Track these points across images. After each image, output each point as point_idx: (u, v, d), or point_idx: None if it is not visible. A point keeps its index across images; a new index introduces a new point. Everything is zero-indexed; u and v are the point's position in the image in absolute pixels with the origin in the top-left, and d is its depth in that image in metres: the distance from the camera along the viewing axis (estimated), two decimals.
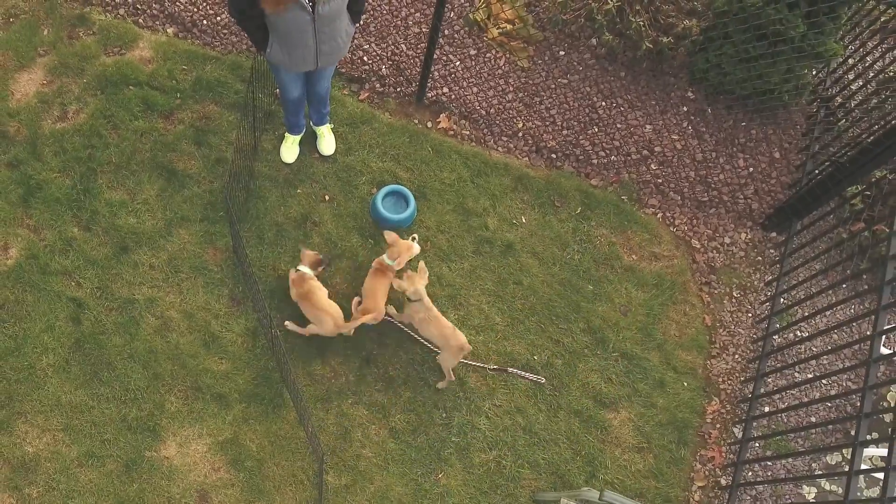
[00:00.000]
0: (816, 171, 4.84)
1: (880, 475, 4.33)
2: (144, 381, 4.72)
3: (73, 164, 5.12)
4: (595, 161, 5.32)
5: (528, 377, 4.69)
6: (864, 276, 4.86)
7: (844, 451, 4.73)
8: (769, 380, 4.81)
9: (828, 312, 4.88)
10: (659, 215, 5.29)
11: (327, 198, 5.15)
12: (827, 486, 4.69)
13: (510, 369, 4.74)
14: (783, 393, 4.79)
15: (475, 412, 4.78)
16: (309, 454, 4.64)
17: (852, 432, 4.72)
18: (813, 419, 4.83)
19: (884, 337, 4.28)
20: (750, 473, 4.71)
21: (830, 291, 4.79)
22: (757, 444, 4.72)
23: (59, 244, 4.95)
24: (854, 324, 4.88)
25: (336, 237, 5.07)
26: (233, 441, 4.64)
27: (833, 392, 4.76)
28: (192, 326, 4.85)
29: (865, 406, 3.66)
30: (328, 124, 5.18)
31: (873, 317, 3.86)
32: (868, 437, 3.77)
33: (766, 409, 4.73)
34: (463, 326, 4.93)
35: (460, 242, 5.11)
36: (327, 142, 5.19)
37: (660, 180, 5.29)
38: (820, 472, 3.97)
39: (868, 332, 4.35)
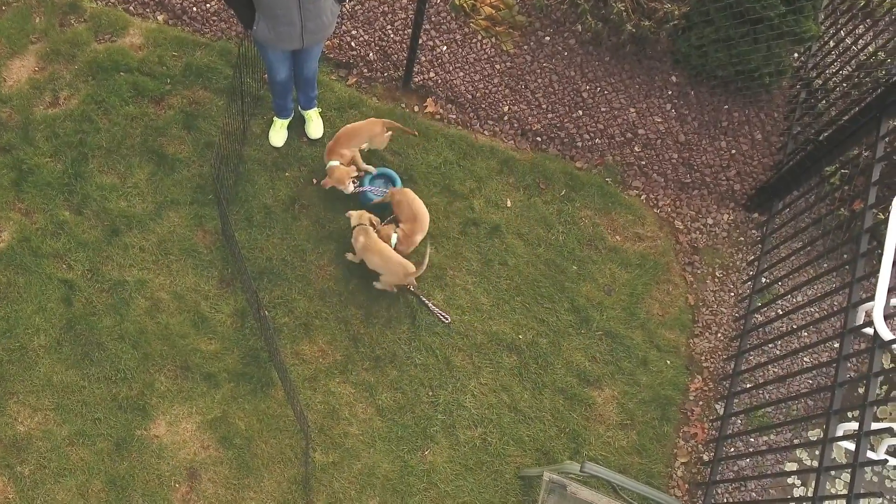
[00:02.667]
0: (796, 152, 4.91)
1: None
2: (135, 361, 4.78)
3: (64, 149, 5.19)
4: (580, 144, 5.39)
5: (436, 312, 4.85)
6: (843, 252, 4.92)
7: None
8: (751, 356, 4.87)
9: (807, 288, 4.95)
10: (643, 197, 5.36)
11: (315, 181, 5.21)
12: (809, 462, 4.76)
13: (423, 299, 4.90)
14: (764, 368, 4.85)
15: (461, 390, 4.84)
16: (297, 432, 4.70)
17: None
18: (794, 393, 4.89)
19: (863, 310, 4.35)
20: (732, 449, 4.77)
21: (810, 267, 4.86)
22: (739, 421, 4.79)
23: (50, 227, 5.01)
24: (833, 298, 4.94)
25: (324, 220, 5.14)
26: (222, 419, 4.71)
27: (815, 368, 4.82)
28: (182, 307, 4.91)
29: (840, 376, 3.72)
30: (316, 108, 5.24)
31: (848, 289, 3.92)
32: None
33: (748, 385, 4.79)
34: (449, 306, 5.00)
35: (446, 224, 5.18)
36: (315, 125, 5.26)
37: (643, 162, 5.36)
38: (797, 443, 4.03)
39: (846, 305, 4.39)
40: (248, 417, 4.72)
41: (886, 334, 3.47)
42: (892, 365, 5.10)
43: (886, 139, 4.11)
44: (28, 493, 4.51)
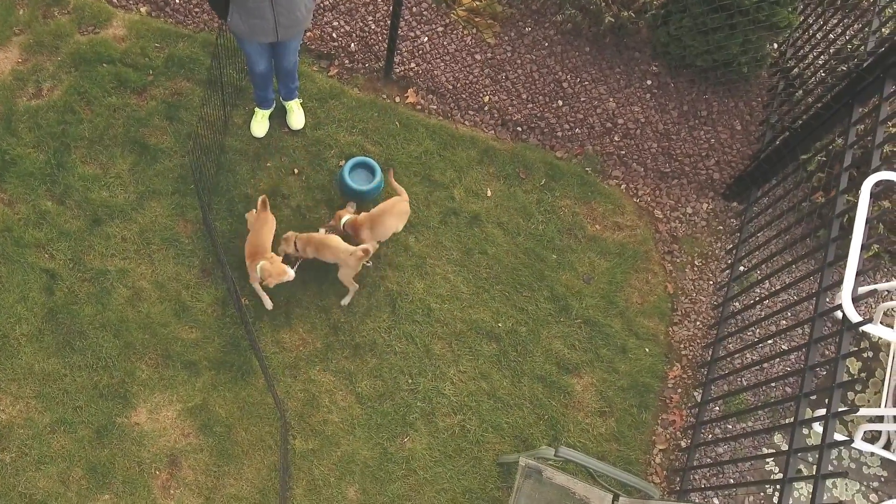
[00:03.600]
0: (773, 140, 4.94)
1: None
2: (116, 349, 4.81)
3: (46, 140, 5.22)
4: (560, 134, 5.42)
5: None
6: (817, 237, 4.94)
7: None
8: (728, 343, 4.90)
9: (783, 274, 4.98)
10: (622, 186, 5.39)
11: (296, 171, 5.24)
12: (785, 446, 4.79)
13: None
14: (741, 355, 4.88)
15: (440, 378, 4.87)
16: (277, 419, 4.73)
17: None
18: (776, 390, 4.92)
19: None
20: (710, 436, 4.80)
21: (786, 254, 4.88)
22: (717, 408, 4.82)
23: (32, 217, 5.04)
24: (807, 283, 4.97)
25: (305, 209, 5.17)
26: (202, 407, 4.73)
27: (790, 355, 4.86)
28: (163, 296, 4.94)
29: (810, 359, 3.75)
30: (297, 99, 5.27)
31: (820, 274, 3.95)
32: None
33: (725, 371, 4.82)
34: (428, 295, 5.03)
35: (426, 213, 5.21)
36: (296, 116, 5.29)
37: (623, 152, 5.39)
38: (770, 427, 4.06)
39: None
40: (229, 405, 4.75)
41: (854, 317, 3.50)
42: (870, 353, 5.13)
43: (859, 126, 4.14)
44: (9, 479, 4.53)
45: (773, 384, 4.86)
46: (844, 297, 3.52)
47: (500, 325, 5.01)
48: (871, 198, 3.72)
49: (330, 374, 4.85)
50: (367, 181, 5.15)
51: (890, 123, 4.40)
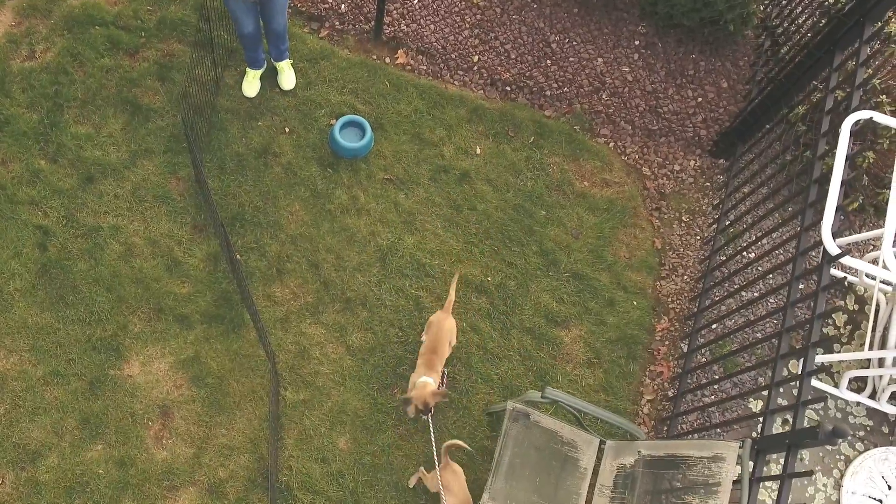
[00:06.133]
0: (758, 95, 4.99)
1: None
2: (109, 303, 4.86)
3: (40, 100, 5.27)
4: (548, 93, 5.47)
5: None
6: (799, 182, 4.97)
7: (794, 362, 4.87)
8: (715, 293, 4.95)
9: (766, 222, 5.01)
10: (610, 144, 5.44)
11: (287, 130, 5.30)
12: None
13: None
14: (727, 302, 4.92)
15: None
16: (268, 372, 4.77)
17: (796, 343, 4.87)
18: (759, 334, 4.97)
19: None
20: (696, 384, 4.84)
21: (770, 202, 4.92)
22: (703, 357, 4.86)
23: (26, 175, 5.09)
24: (790, 226, 5.00)
25: (296, 167, 5.22)
26: (194, 359, 4.78)
27: (772, 300, 4.91)
28: (156, 252, 4.99)
29: (787, 321, 3.79)
30: (288, 60, 5.32)
31: (801, 215, 4.00)
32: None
33: (711, 318, 4.86)
34: (419, 250, 5.08)
35: (417, 170, 5.26)
36: (287, 77, 5.33)
37: (611, 110, 5.44)
38: (751, 365, 4.10)
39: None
40: (220, 357, 4.80)
41: (833, 249, 3.55)
42: (855, 306, 5.18)
43: (838, 72, 4.19)
44: (3, 430, 4.58)
45: (757, 327, 4.91)
46: (824, 230, 3.58)
47: (489, 279, 5.06)
48: (850, 136, 3.78)
49: (321, 328, 4.90)
50: (358, 139, 5.21)
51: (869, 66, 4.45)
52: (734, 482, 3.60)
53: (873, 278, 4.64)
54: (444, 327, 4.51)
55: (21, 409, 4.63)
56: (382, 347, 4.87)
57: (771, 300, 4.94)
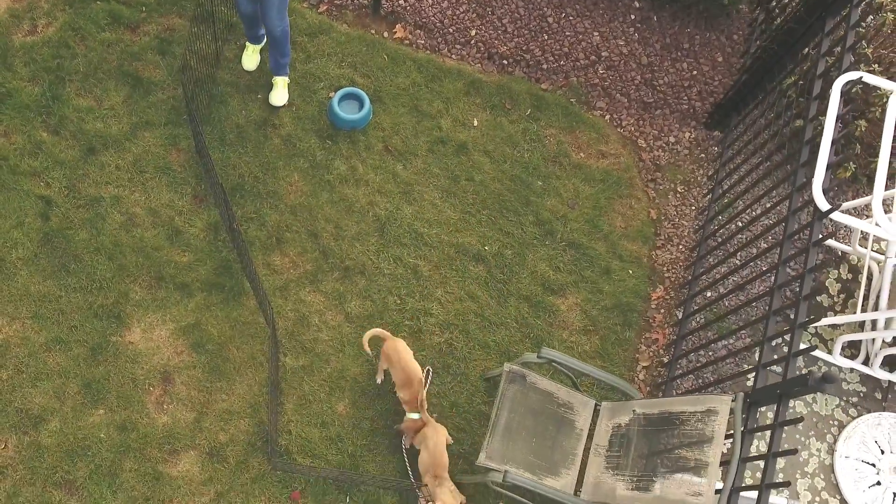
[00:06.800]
0: (750, 63, 5.05)
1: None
2: (110, 272, 4.91)
3: (42, 74, 5.33)
4: (545, 66, 5.53)
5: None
6: (792, 146, 5.02)
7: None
8: (710, 259, 5.00)
9: (759, 187, 5.05)
10: (606, 117, 5.50)
11: (287, 102, 5.35)
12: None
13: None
14: (721, 266, 4.97)
15: (428, 298, 4.97)
16: (268, 338, 4.83)
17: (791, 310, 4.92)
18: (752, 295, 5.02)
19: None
20: (693, 356, 4.90)
21: (763, 167, 4.98)
22: (697, 322, 4.92)
23: (28, 147, 5.15)
24: (781, 189, 5.04)
25: (295, 138, 5.28)
26: (195, 326, 4.83)
27: (764, 266, 4.96)
28: (157, 222, 5.05)
29: (779, 278, 3.84)
30: (285, 77, 5.26)
31: (793, 176, 4.06)
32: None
33: (707, 283, 4.91)
34: (416, 220, 5.14)
35: (414, 142, 5.32)
36: (279, 94, 5.27)
37: (607, 83, 5.50)
38: (743, 324, 4.16)
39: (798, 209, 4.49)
40: (221, 324, 4.85)
41: (823, 205, 3.61)
42: (849, 275, 5.24)
43: (829, 37, 4.25)
44: (6, 396, 4.63)
45: (750, 291, 4.96)
46: (815, 186, 3.63)
47: (486, 248, 5.11)
48: (840, 97, 3.84)
49: (320, 295, 4.96)
50: (356, 111, 5.27)
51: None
52: (727, 435, 3.65)
53: (865, 241, 4.69)
54: (399, 346, 4.50)
55: (23, 375, 4.69)
56: (381, 315, 4.92)
57: (764, 265, 5.00)
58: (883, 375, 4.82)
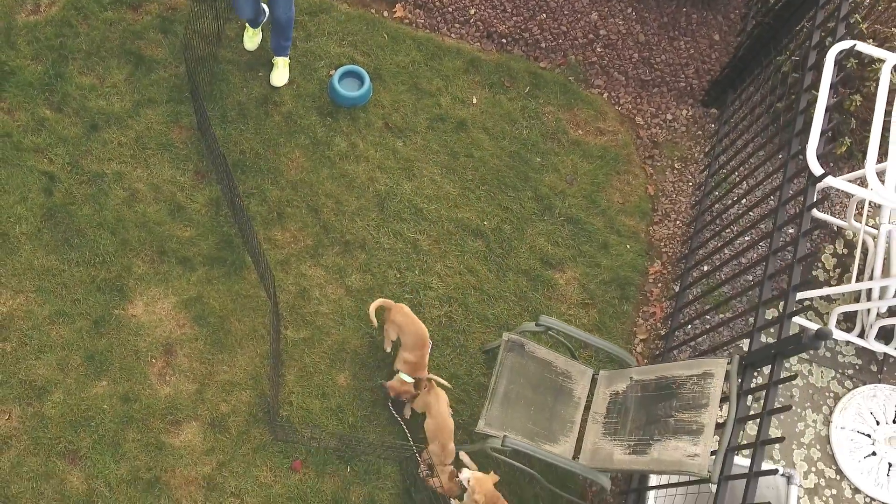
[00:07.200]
0: (746, 38, 5.10)
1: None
2: (113, 246, 4.96)
3: (45, 52, 5.38)
4: (543, 45, 5.59)
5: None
6: (786, 117, 5.07)
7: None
8: (706, 232, 5.05)
9: (754, 160, 5.10)
10: (604, 95, 5.55)
11: (288, 80, 5.40)
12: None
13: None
14: (717, 238, 5.01)
15: (427, 272, 5.02)
16: (269, 311, 4.88)
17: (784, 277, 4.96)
18: (747, 262, 5.07)
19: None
20: (689, 327, 4.95)
21: (759, 138, 5.03)
22: (693, 294, 4.97)
23: (31, 124, 5.20)
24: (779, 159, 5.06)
25: (296, 115, 5.33)
26: (197, 300, 4.88)
27: (759, 237, 5.01)
28: (159, 197, 5.10)
29: (774, 244, 3.89)
30: (286, 58, 5.31)
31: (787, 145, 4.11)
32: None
33: (707, 253, 4.96)
34: (416, 195, 5.19)
35: (414, 119, 5.37)
36: (280, 74, 5.33)
37: (605, 62, 5.56)
38: (740, 290, 4.21)
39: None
40: (222, 298, 4.90)
41: (817, 169, 3.66)
42: (844, 250, 5.29)
43: (824, 9, 4.30)
44: (10, 367, 4.68)
45: (745, 259, 5.01)
46: (809, 151, 3.68)
47: (485, 223, 5.17)
48: (834, 65, 3.89)
49: (321, 269, 5.01)
50: (357, 88, 5.32)
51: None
52: (722, 399, 3.70)
53: (860, 216, 4.74)
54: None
55: (27, 347, 4.73)
56: (381, 288, 4.97)
57: (759, 236, 5.04)
58: (878, 347, 4.87)
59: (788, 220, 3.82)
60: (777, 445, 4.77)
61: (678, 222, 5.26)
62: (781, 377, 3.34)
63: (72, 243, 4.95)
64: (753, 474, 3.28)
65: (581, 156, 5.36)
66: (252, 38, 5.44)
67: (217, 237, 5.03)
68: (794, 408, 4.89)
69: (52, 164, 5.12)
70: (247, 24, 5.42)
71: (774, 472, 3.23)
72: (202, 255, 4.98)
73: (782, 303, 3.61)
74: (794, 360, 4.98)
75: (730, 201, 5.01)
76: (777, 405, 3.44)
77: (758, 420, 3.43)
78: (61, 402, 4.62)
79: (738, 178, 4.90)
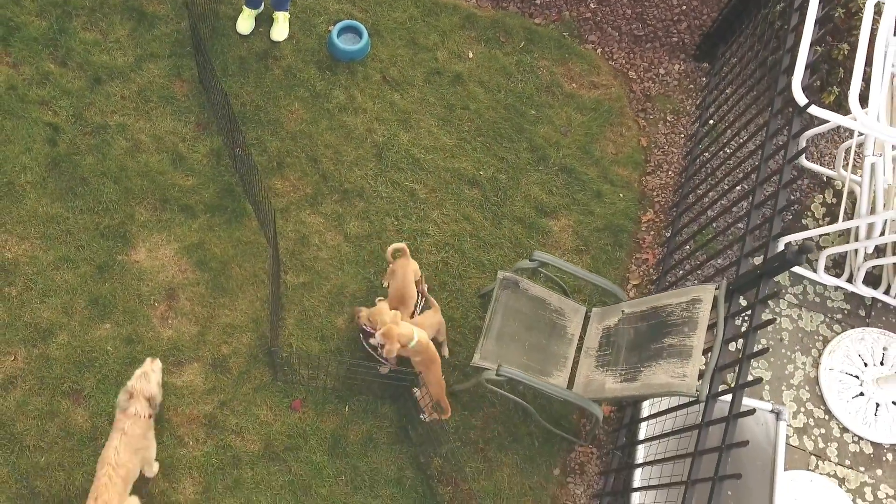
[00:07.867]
0: None
1: None
2: (116, 194, 5.06)
3: (49, 8, 5.48)
4: (538, 2, 5.70)
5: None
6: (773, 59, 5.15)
7: None
8: (696, 178, 5.15)
9: (744, 104, 5.18)
10: (598, 50, 5.66)
11: (288, 35, 5.51)
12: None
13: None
14: (707, 183, 5.11)
15: (424, 219, 5.12)
16: (269, 257, 4.97)
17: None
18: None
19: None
20: (679, 267, 5.02)
21: (749, 82, 5.12)
22: (683, 239, 5.06)
23: (36, 77, 5.30)
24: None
25: (295, 69, 5.43)
26: (198, 245, 4.98)
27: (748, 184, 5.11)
28: (161, 148, 5.20)
29: (761, 174, 3.99)
30: (286, 12, 5.41)
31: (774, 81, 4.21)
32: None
33: (692, 199, 5.05)
34: (413, 146, 5.29)
35: (411, 73, 5.48)
36: (280, 28, 5.42)
37: (599, 17, 5.66)
38: (730, 224, 4.32)
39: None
40: (224, 244, 5.00)
41: (802, 100, 3.76)
42: (833, 200, 5.39)
43: None
44: (15, 311, 4.77)
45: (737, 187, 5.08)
46: (794, 83, 3.78)
47: (481, 172, 5.27)
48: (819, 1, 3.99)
49: (320, 217, 5.11)
50: (355, 43, 5.43)
51: None
52: (711, 325, 3.80)
53: (846, 166, 4.84)
54: (409, 269, 4.56)
55: (32, 292, 4.83)
56: (378, 234, 5.07)
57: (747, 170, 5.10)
58: (866, 292, 4.97)
59: (774, 152, 3.92)
60: (766, 387, 4.87)
61: (670, 173, 5.37)
62: (767, 294, 3.44)
63: (76, 192, 5.05)
64: (739, 387, 3.38)
65: (575, 108, 5.47)
66: (246, 20, 5.42)
67: (218, 186, 5.13)
68: (783, 350, 4.99)
69: (57, 115, 5.22)
70: (244, 6, 5.43)
71: (759, 380, 3.32)
72: (203, 203, 5.08)
73: (768, 226, 3.71)
74: (783, 304, 5.08)
75: (719, 149, 5.10)
76: (760, 347, 3.53)
77: (742, 340, 3.52)
78: (66, 343, 4.72)
79: (726, 126, 5.00)
